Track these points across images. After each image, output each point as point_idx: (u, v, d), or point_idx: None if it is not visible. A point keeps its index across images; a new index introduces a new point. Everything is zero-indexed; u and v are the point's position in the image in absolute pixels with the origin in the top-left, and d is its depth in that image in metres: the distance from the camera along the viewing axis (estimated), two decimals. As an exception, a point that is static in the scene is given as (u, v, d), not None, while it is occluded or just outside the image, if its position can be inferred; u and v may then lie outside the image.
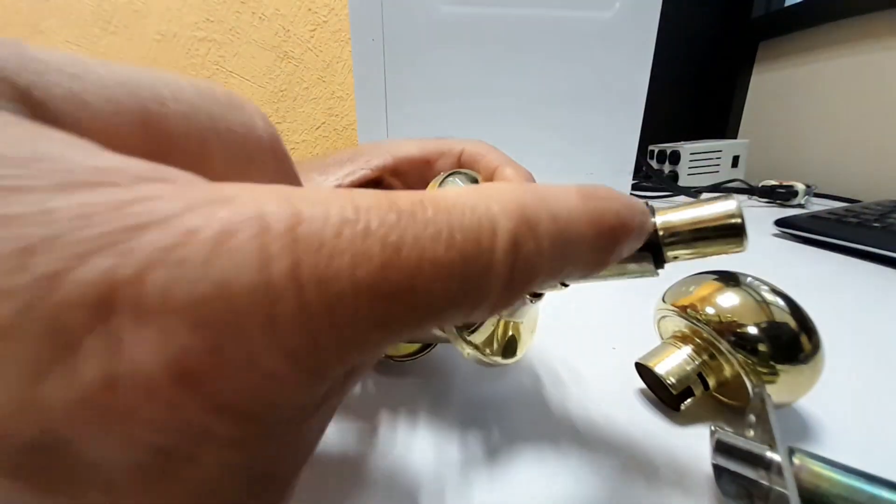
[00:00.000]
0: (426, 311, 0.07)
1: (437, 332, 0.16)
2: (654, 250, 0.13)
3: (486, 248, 0.07)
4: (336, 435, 0.18)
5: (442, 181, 0.17)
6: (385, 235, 0.06)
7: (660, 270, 0.13)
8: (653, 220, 0.13)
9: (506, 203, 0.08)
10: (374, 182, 0.22)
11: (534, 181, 0.21)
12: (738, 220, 0.12)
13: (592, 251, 0.09)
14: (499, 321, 0.17)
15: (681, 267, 0.23)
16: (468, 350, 0.15)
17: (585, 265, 0.09)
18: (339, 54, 0.79)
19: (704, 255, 0.13)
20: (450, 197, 0.08)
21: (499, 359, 0.16)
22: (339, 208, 0.06)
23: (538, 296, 0.17)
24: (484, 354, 0.16)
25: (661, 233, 0.13)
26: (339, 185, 0.21)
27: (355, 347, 0.06)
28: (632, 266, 0.13)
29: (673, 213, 0.13)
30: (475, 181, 0.19)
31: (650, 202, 0.13)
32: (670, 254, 0.13)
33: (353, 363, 0.07)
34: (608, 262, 0.09)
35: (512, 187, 0.08)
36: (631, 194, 0.57)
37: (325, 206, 0.06)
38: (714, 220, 0.12)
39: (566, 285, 0.15)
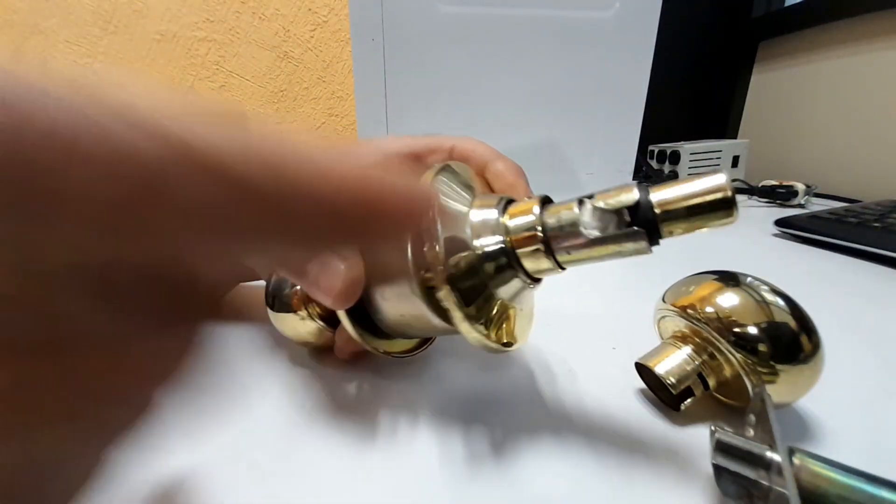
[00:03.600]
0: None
1: (442, 324, 0.16)
2: (649, 227, 0.13)
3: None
4: (338, 434, 0.18)
5: (435, 174, 0.17)
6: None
7: (653, 247, 0.13)
8: (648, 198, 0.13)
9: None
10: None
11: (525, 177, 0.21)
12: (729, 194, 0.12)
13: (325, 209, 0.07)
14: (499, 308, 0.17)
15: (680, 267, 0.23)
16: (474, 334, 0.15)
17: (314, 228, 0.08)
18: (339, 54, 0.79)
19: (698, 229, 0.13)
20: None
21: (501, 345, 0.17)
22: None
23: (536, 281, 0.16)
24: (489, 340, 0.16)
25: (657, 210, 0.13)
26: None
27: None
28: (627, 245, 0.13)
29: (667, 190, 0.13)
30: (466, 174, 0.19)
31: (643, 182, 0.14)
32: (666, 229, 0.13)
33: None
34: (345, 236, 0.08)
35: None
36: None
37: None
38: (706, 195, 0.12)
39: (563, 268, 0.15)
